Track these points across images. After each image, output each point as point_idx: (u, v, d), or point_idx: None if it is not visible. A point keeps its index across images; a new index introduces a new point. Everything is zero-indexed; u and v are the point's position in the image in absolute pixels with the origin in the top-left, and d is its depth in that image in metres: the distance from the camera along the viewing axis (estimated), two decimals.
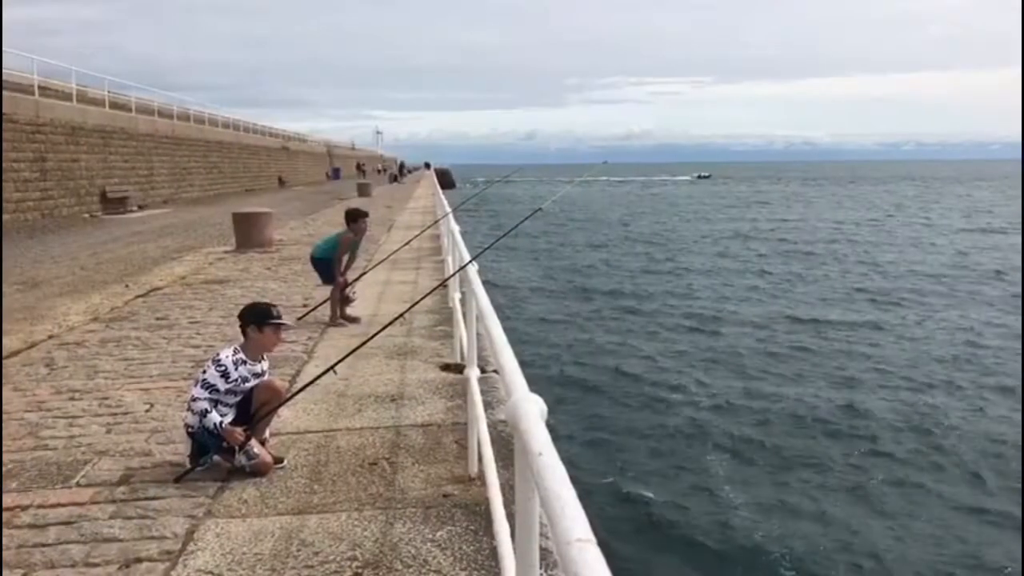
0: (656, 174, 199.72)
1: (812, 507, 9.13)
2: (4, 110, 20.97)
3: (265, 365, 4.29)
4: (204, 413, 3.96)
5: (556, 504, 1.19)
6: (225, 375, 4.05)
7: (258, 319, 4.20)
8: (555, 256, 33.47)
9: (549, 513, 1.20)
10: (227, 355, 4.11)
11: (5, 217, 20.19)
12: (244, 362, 4.14)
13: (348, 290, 8.21)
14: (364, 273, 9.36)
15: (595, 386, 14.01)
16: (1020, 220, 45.70)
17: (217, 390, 4.03)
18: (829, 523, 8.73)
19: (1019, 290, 23.33)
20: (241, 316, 4.28)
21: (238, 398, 4.15)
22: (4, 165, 20.64)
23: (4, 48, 23.48)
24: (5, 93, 21.60)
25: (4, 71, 23.82)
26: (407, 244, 11.64)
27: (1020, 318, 19.41)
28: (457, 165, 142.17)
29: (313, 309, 8.34)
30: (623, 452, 10.84)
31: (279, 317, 4.26)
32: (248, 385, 4.16)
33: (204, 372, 4.09)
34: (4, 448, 4.54)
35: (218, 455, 4.04)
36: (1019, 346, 16.58)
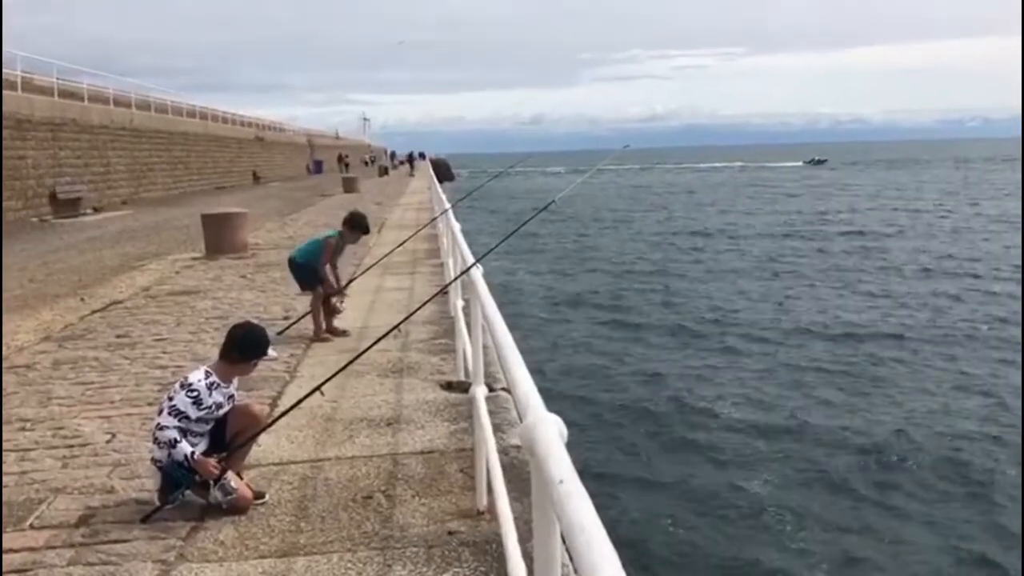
0: (688, 160, 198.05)
1: (853, 539, 9.14)
2: None
3: (236, 384, 4.31)
4: (173, 443, 3.95)
5: (581, 539, 1.19)
6: (198, 402, 4.05)
7: (255, 354, 4.26)
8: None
9: (573, 549, 1.20)
10: (199, 378, 4.10)
11: None
12: (217, 385, 4.14)
13: (335, 300, 8.22)
14: (353, 279, 9.39)
15: (620, 405, 13.94)
16: (1020, 209, 43.26)
17: (188, 418, 4.03)
18: (872, 559, 8.76)
19: None
20: (237, 343, 4.24)
21: (210, 426, 4.16)
22: None
23: None
24: None
25: None
26: (401, 246, 11.65)
27: (1020, 315, 19.33)
28: (453, 155, 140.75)
29: (295, 322, 8.37)
30: (652, 479, 10.80)
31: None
32: (222, 412, 4.17)
33: (171, 398, 4.07)
34: None
35: (190, 490, 4.05)
36: None
